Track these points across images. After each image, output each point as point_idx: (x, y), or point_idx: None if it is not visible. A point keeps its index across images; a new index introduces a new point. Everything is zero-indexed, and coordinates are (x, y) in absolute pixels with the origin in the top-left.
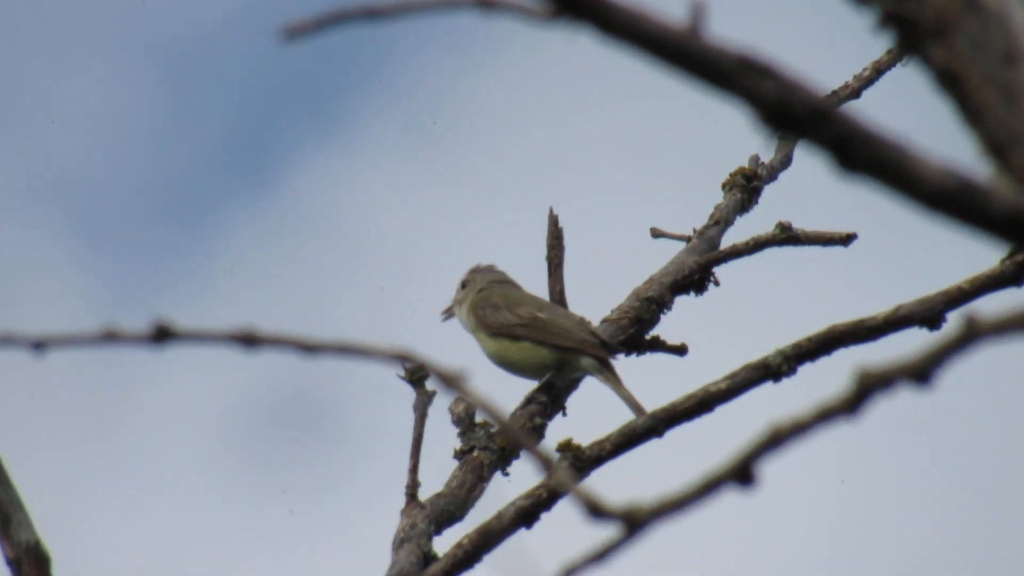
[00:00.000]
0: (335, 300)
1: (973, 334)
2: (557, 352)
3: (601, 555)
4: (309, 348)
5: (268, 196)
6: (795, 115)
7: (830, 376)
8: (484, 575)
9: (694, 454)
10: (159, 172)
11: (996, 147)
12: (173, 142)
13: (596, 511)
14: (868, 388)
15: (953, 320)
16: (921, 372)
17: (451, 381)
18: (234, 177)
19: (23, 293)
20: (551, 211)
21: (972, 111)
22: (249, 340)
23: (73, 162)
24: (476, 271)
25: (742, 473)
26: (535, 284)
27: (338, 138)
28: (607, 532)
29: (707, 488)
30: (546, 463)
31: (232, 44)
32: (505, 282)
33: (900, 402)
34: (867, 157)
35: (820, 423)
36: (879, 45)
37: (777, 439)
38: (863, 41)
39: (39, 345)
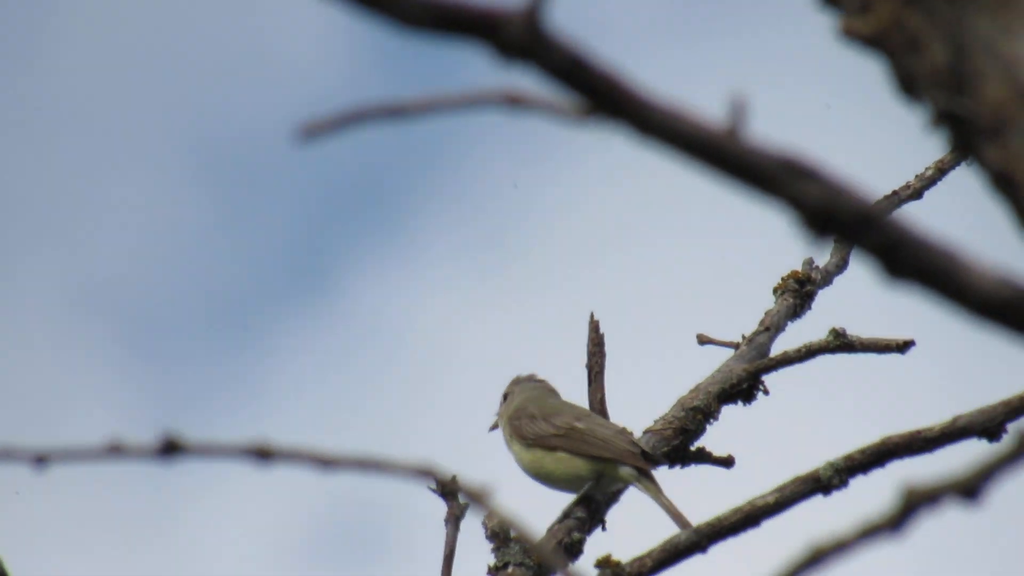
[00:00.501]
0: (380, 411)
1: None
2: (594, 463)
3: None
4: (326, 462)
5: (320, 303)
6: (841, 221)
7: (884, 489)
8: None
9: (739, 571)
10: (210, 281)
11: None
12: (224, 249)
13: None
14: (914, 505)
15: (1013, 432)
16: (969, 488)
17: (478, 496)
18: (287, 285)
19: (72, 407)
20: (591, 316)
21: None
22: (263, 454)
23: (122, 272)
24: (516, 382)
25: None
26: (576, 392)
27: (385, 245)
28: None
29: None
30: None
31: (282, 149)
32: (545, 393)
33: (949, 519)
34: (915, 264)
35: (863, 541)
36: (943, 143)
37: (818, 557)
38: (926, 139)
39: (41, 459)
